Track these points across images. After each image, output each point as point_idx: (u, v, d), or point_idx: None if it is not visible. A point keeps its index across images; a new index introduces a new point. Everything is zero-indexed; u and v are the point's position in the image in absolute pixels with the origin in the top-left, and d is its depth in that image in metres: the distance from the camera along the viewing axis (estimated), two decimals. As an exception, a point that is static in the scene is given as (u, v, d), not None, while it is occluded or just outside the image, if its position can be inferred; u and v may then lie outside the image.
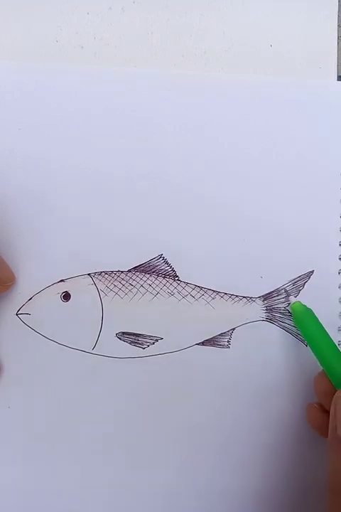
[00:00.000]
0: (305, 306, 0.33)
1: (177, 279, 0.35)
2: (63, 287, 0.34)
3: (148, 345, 0.34)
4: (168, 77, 0.36)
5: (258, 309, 0.35)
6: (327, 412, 0.30)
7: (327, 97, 0.36)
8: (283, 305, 0.35)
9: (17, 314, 0.34)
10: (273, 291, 0.35)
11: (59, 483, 0.34)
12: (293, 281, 0.35)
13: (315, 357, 0.32)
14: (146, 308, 0.34)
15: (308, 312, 0.33)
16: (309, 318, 0.33)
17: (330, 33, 0.36)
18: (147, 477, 0.34)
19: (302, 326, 0.33)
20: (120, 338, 0.34)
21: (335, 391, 0.30)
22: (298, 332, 0.34)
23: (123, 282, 0.34)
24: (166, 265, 0.35)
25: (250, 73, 0.37)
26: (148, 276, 0.35)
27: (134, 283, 0.34)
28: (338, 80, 0.36)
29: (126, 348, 0.34)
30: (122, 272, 0.34)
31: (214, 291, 0.35)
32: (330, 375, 0.31)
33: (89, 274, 0.34)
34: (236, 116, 0.36)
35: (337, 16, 0.36)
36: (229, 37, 0.36)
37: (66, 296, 0.34)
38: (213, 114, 0.36)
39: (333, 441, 0.28)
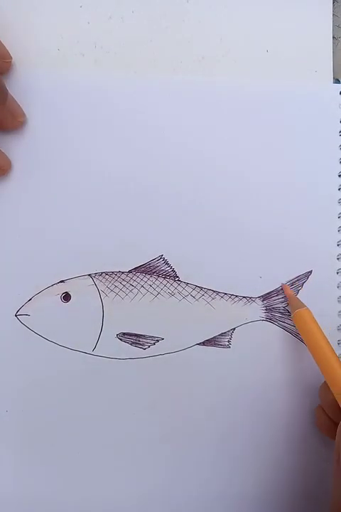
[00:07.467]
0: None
1: (178, 280, 0.35)
2: (63, 288, 0.34)
3: (149, 346, 0.34)
4: (167, 83, 0.36)
5: (257, 309, 0.35)
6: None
7: (324, 99, 0.37)
8: (283, 305, 0.35)
9: (16, 315, 0.34)
10: (272, 291, 0.35)
11: (59, 485, 0.33)
12: (292, 281, 0.35)
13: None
14: (147, 308, 0.35)
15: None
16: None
17: (325, 35, 0.37)
18: (147, 477, 0.34)
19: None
20: (121, 339, 0.34)
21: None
22: (298, 331, 0.34)
23: (124, 283, 0.35)
24: (166, 266, 0.35)
25: (247, 78, 0.37)
26: (148, 276, 0.35)
27: (135, 283, 0.35)
28: (334, 82, 0.37)
29: (127, 349, 0.34)
30: (123, 272, 0.35)
31: (214, 291, 0.35)
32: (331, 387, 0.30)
33: (89, 275, 0.34)
34: (234, 119, 0.36)
35: (331, 19, 0.37)
36: (226, 43, 0.37)
37: (66, 297, 0.34)
38: (212, 118, 0.36)
39: (337, 470, 0.28)
